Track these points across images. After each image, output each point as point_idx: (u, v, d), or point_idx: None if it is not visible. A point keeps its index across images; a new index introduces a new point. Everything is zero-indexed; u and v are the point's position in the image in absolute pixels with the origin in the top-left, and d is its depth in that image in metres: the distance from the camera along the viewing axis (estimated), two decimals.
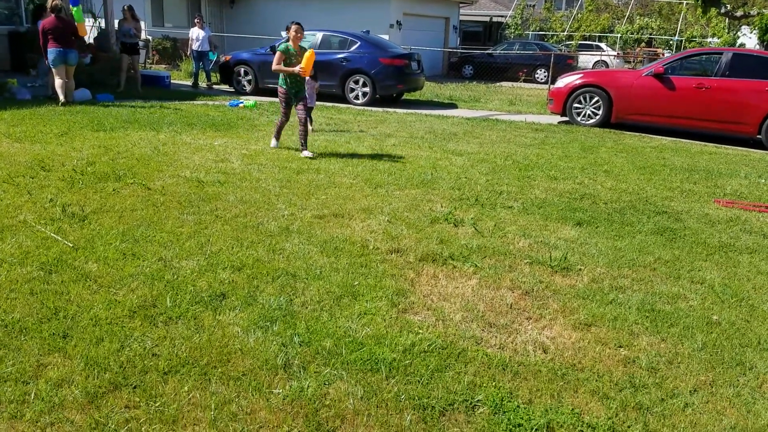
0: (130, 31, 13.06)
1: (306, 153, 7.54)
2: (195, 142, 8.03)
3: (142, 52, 18.32)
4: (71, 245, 4.16)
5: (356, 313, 3.43)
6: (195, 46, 15.35)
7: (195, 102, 12.65)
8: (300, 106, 7.58)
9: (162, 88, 14.26)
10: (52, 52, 10.19)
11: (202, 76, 16.02)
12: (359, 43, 14.03)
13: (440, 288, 3.89)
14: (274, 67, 7.49)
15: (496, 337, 3.28)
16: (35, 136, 7.76)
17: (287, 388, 2.70)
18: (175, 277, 3.77)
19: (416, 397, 2.67)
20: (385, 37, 19.14)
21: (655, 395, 2.78)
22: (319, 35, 14.50)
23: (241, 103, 12.36)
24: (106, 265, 3.87)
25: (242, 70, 14.82)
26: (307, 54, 7.35)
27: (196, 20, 15.73)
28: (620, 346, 3.22)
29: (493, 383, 2.82)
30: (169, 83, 14.85)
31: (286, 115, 7.80)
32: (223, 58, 15.54)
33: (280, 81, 7.60)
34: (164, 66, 19.17)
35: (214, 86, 15.99)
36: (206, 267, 3.94)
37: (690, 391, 2.83)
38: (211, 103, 12.63)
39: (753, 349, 3.24)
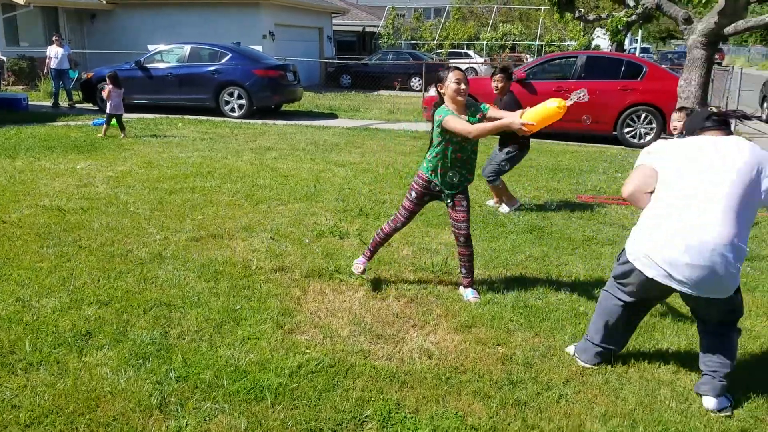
0: None
1: (471, 297, 3.98)
2: (55, 167, 7.46)
3: None
4: None
5: (239, 339, 3.31)
6: (53, 64, 14.38)
7: (56, 123, 11.77)
8: (461, 214, 3.95)
9: (19, 111, 13.13)
10: None
11: (63, 95, 14.97)
12: (230, 54, 13.74)
13: (327, 303, 3.86)
14: (465, 129, 3.64)
15: (383, 348, 3.30)
16: None
17: (164, 429, 2.55)
18: (35, 318, 3.46)
19: (304, 421, 2.62)
20: (258, 48, 18.84)
21: (532, 390, 2.92)
22: (188, 48, 14.06)
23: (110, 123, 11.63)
24: None
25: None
26: (550, 105, 3.68)
27: (54, 38, 14.70)
28: (498, 345, 3.35)
29: (381, 396, 2.83)
30: (26, 105, 13.70)
31: (406, 220, 4.06)
32: (85, 76, 14.60)
33: (426, 166, 3.95)
34: (22, 87, 17.70)
35: (77, 105, 15.00)
36: (69, 304, 3.65)
37: (563, 383, 2.99)
38: (73, 123, 11.81)
39: None
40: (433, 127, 3.86)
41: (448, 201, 3.96)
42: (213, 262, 4.46)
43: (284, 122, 13.08)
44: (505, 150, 6.11)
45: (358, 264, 4.18)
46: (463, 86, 3.70)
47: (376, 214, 5.88)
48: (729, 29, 7.82)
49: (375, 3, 48.82)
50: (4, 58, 17.94)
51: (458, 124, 3.64)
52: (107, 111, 10.17)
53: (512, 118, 3.63)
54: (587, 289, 4.17)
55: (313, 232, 5.28)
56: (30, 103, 14.19)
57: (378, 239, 4.12)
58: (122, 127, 10.19)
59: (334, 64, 25.17)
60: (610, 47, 15.83)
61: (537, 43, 29.32)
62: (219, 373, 2.96)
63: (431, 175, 3.90)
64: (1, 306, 3.59)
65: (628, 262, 2.89)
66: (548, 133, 11.68)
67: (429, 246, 4.98)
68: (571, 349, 3.27)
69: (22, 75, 18.34)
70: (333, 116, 14.89)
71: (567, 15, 12.67)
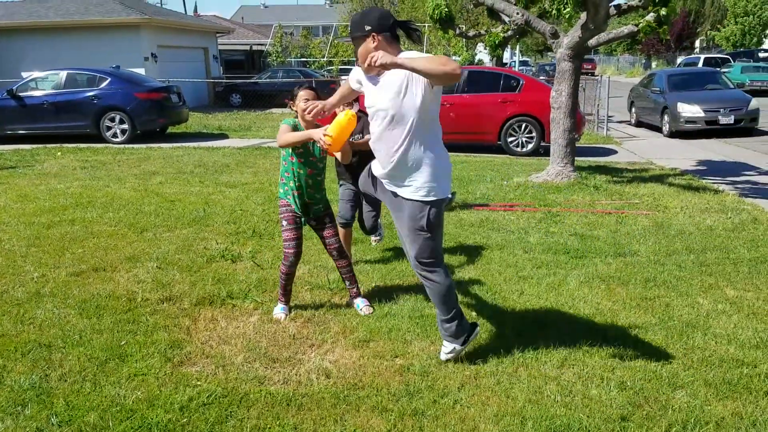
0: None
1: (363, 307, 4.06)
2: None
3: None
4: None
5: (124, 376, 3.15)
6: None
7: None
8: (329, 230, 4.07)
9: None
10: None
11: None
12: (109, 79, 13.16)
13: (219, 331, 3.75)
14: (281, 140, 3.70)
15: (279, 372, 3.25)
16: None
17: None
18: None
19: None
20: (141, 71, 18.15)
21: (428, 398, 2.98)
22: (63, 74, 13.35)
23: None
24: None
25: None
26: (341, 117, 3.48)
27: None
28: (396, 356, 3.40)
29: (278, 422, 2.78)
30: None
31: (295, 249, 3.94)
32: None
33: (281, 190, 3.94)
34: None
35: None
36: None
37: (458, 388, 3.08)
38: None
39: (507, 338, 3.63)
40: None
41: (312, 222, 4.01)
42: (95, 297, 4.22)
43: (170, 145, 12.66)
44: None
45: (279, 313, 3.96)
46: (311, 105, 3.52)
47: (270, 234, 5.81)
48: (592, 42, 8.44)
49: (261, 22, 48.52)
50: None
51: (279, 134, 3.66)
52: None
53: (315, 130, 3.52)
54: (479, 293, 4.33)
55: (203, 257, 5.13)
56: None
57: (282, 281, 3.96)
58: None
59: (222, 83, 24.68)
60: (491, 61, 16.61)
61: None
62: (104, 413, 2.79)
63: (289, 199, 3.87)
64: None
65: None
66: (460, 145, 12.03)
67: (325, 263, 4.98)
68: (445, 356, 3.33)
69: None
70: (223, 136, 14.58)
71: (450, 32, 13.22)
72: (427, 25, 29.98)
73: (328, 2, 65.04)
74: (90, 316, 3.89)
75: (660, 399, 2.98)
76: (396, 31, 3.00)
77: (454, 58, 28.49)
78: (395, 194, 3.18)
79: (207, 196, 7.51)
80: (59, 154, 11.34)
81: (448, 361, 3.30)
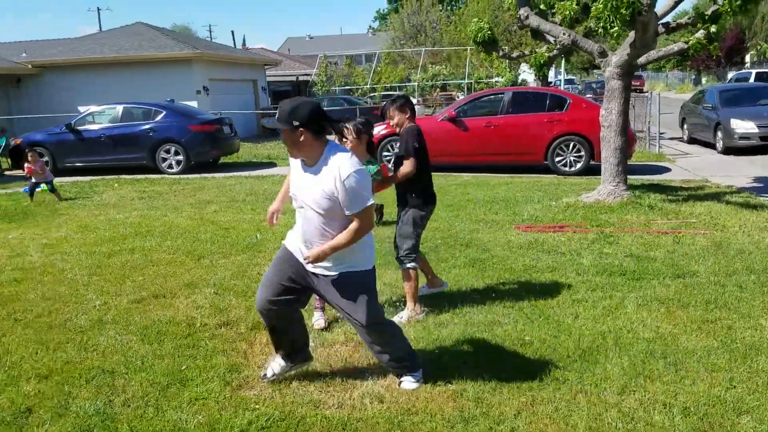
0: None
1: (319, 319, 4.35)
2: None
3: None
4: None
5: (186, 400, 3.24)
6: None
7: None
8: None
9: None
10: None
11: None
12: (164, 112, 13.65)
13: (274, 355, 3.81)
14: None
15: (333, 396, 3.28)
16: None
17: None
18: None
19: None
20: (193, 104, 18.80)
21: (484, 425, 2.95)
22: (120, 108, 13.90)
23: (39, 188, 11.29)
24: None
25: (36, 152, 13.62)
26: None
27: None
28: (448, 382, 3.39)
29: None
30: None
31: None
32: (13, 142, 14.18)
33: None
34: None
35: (6, 173, 14.48)
36: (6, 381, 3.50)
37: (514, 415, 3.04)
38: (2, 191, 11.39)
39: (564, 363, 3.57)
40: None
41: None
42: (156, 323, 4.36)
43: (223, 175, 13.00)
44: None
45: (319, 320, 4.27)
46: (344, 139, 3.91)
47: None
48: (641, 60, 8.34)
49: (307, 53, 49.67)
50: None
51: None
52: (33, 180, 9.97)
53: None
54: (531, 318, 4.28)
55: (257, 282, 5.20)
56: None
57: None
58: (54, 192, 10.00)
59: (270, 114, 25.33)
60: (535, 81, 16.56)
61: (466, 81, 30.32)
62: None
63: None
64: None
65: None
66: (482, 166, 12.01)
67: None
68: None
69: None
70: (272, 165, 14.90)
71: (492, 54, 13.27)
72: (469, 48, 30.16)
73: (370, 31, 66.16)
74: (151, 342, 4.02)
75: (725, 425, 2.88)
76: (323, 124, 3.02)
77: (496, 79, 28.47)
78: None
79: (259, 223, 7.67)
80: (116, 185, 11.79)
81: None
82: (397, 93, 31.27)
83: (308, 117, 2.95)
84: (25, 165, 10.02)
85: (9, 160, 14.44)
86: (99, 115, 13.98)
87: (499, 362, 3.60)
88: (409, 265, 4.39)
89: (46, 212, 8.94)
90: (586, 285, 4.96)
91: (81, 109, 17.38)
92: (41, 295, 5.03)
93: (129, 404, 3.23)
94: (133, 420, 3.06)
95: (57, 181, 11.02)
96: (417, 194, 4.41)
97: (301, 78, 35.17)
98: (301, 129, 2.94)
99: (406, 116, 4.40)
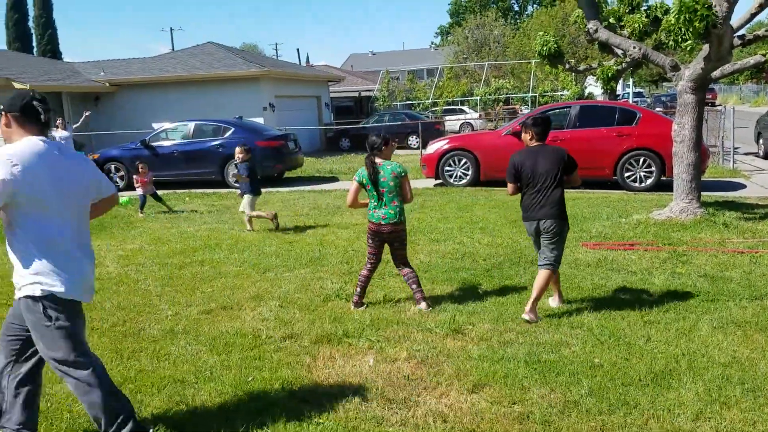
0: None
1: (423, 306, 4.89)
2: None
3: None
4: None
5: (252, 411, 3.30)
6: None
7: None
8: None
9: None
10: None
11: None
12: (233, 128, 14.12)
13: (337, 369, 3.85)
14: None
15: (396, 413, 3.28)
16: None
17: None
18: (49, 404, 3.46)
19: None
20: (260, 120, 19.33)
21: None
22: (191, 125, 14.47)
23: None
24: None
25: (112, 167, 14.36)
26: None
27: (57, 121, 15.15)
28: (514, 403, 3.32)
29: None
30: None
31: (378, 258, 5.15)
32: (90, 157, 14.94)
33: (402, 212, 5.06)
34: None
35: None
36: None
37: None
38: None
39: (635, 387, 3.45)
40: (390, 178, 4.87)
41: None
42: (224, 334, 4.48)
43: (287, 189, 13.28)
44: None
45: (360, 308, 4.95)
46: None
47: (380, 274, 5.90)
48: (716, 73, 8.02)
49: (369, 68, 50.32)
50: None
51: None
52: (141, 193, 10.31)
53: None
54: (600, 339, 4.15)
55: (320, 296, 5.31)
56: None
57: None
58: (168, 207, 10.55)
59: (332, 129, 25.78)
60: (603, 94, 16.19)
61: (530, 94, 29.95)
62: None
63: (401, 217, 4.94)
64: None
65: None
66: None
67: (435, 303, 4.99)
68: None
69: None
70: (334, 179, 15.11)
71: (558, 67, 13.08)
72: (533, 61, 29.83)
73: (433, 46, 66.41)
74: (219, 353, 4.13)
75: None
76: (32, 111, 2.78)
77: (562, 92, 27.98)
78: None
79: (321, 237, 7.79)
80: (187, 199, 12.23)
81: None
82: (458, 107, 31.26)
83: (10, 101, 2.80)
84: (135, 177, 10.38)
85: None
86: (172, 132, 14.58)
87: (567, 385, 3.50)
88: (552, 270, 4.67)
89: (122, 224, 9.36)
90: (658, 306, 4.77)
91: (154, 125, 18.20)
92: (117, 305, 5.26)
93: (198, 413, 3.32)
94: (203, 430, 3.14)
95: (131, 194, 11.54)
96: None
97: (363, 93, 35.67)
98: (5, 112, 2.80)
99: (528, 137, 4.83)
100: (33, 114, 2.79)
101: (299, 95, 25.40)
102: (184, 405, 3.42)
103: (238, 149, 8.49)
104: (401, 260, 5.02)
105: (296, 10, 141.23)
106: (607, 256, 6.35)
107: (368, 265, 5.04)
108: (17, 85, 18.80)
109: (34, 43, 41.16)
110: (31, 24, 41.21)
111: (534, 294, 4.54)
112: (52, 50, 40.56)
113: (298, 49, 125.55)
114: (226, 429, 3.13)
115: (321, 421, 3.19)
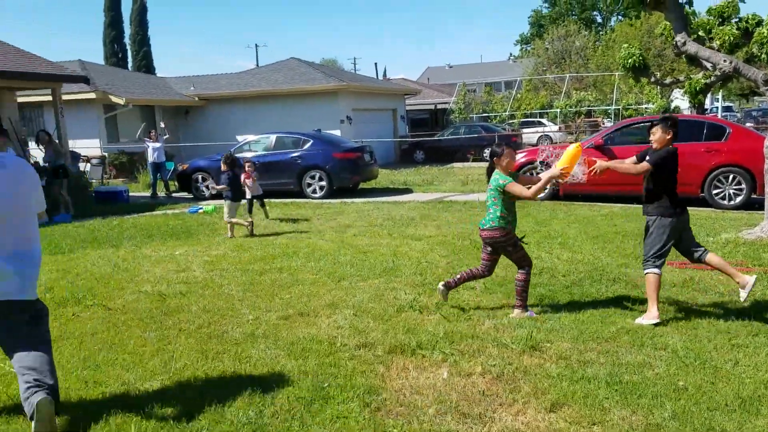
0: (51, 156, 12.56)
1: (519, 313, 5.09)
2: (155, 254, 7.98)
3: (98, 169, 18.34)
4: None
5: (328, 418, 3.38)
6: (151, 158, 15.62)
7: (155, 213, 12.64)
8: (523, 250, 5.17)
9: (121, 203, 14.22)
10: None
11: (161, 185, 16.12)
12: (312, 141, 14.52)
13: (411, 380, 3.87)
14: (527, 193, 4.86)
15: (471, 428, 3.26)
16: None
17: None
18: (140, 401, 3.66)
19: None
20: (337, 132, 19.76)
21: None
22: (273, 137, 15.00)
23: (201, 209, 12.40)
24: (67, 397, 3.73)
25: (200, 176, 15.05)
26: (570, 149, 4.90)
27: (150, 133, 16.06)
28: (593, 424, 3.24)
29: None
30: (127, 197, 14.82)
31: (489, 269, 5.26)
32: (180, 167, 15.73)
33: (499, 219, 4.99)
34: (122, 180, 19.22)
35: (174, 194, 16.07)
36: (172, 386, 3.85)
37: None
38: (170, 212, 12.64)
39: (721, 412, 3.29)
40: (490, 189, 5.00)
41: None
42: (301, 340, 4.60)
43: (362, 200, 13.47)
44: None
45: (530, 312, 5.04)
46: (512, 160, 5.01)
47: (455, 288, 5.89)
48: None
49: (446, 81, 50.37)
50: (106, 154, 19.63)
51: (518, 188, 4.85)
52: (249, 197, 10.44)
53: (551, 171, 4.86)
54: (685, 362, 3.98)
55: (394, 306, 5.35)
56: (130, 194, 15.35)
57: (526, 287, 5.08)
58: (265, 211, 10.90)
59: (407, 141, 25.98)
60: (690, 108, 15.52)
61: (613, 107, 29.07)
62: None
63: (507, 225, 4.99)
64: (107, 390, 3.83)
65: None
66: (631, 197, 11.39)
67: (512, 320, 4.93)
68: None
69: (123, 169, 19.97)
70: (408, 191, 15.21)
71: (643, 80, 12.66)
72: (617, 73, 28.94)
73: (511, 58, 65.70)
74: (297, 358, 4.24)
75: None
76: None
77: (646, 105, 27.01)
78: None
79: (395, 248, 7.85)
80: (267, 208, 12.62)
81: None
82: (536, 119, 30.73)
83: None
84: (242, 176, 10.63)
85: (176, 183, 16.01)
86: (255, 144, 15.14)
87: (649, 407, 3.38)
88: (647, 271, 4.87)
89: (207, 231, 9.78)
90: (747, 329, 4.53)
91: (239, 138, 18.93)
92: (202, 308, 5.50)
93: (277, 416, 3.43)
94: None
95: (216, 203, 12.03)
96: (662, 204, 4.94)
97: (439, 106, 35.73)
98: None
99: (668, 137, 4.84)
100: None
101: (376, 108, 25.78)
102: (264, 407, 3.53)
103: (222, 160, 9.55)
104: (516, 264, 5.16)
105: (375, 26, 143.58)
106: (693, 276, 6.08)
107: (480, 269, 5.28)
108: (114, 99, 20.10)
109: (129, 59, 43.79)
110: (127, 41, 43.86)
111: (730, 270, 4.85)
112: (146, 66, 43.00)
113: (375, 64, 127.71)
114: None
115: (395, 430, 3.22)
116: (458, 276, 5.33)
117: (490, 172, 5.08)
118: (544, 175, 4.90)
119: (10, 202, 3.25)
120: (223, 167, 9.42)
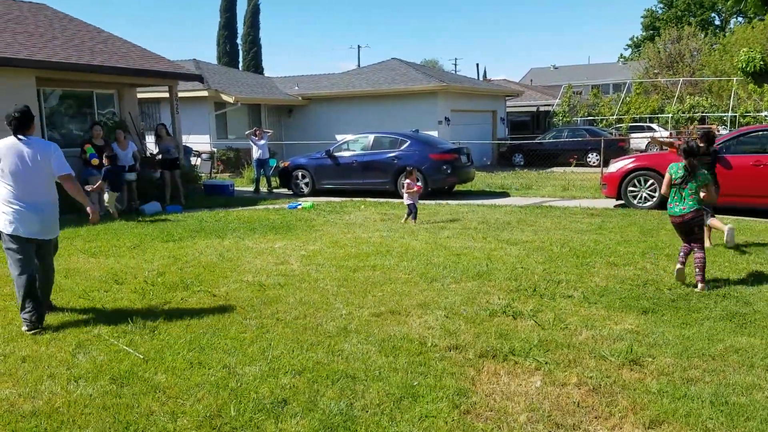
0: (170, 148, 13.38)
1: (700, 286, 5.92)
2: (257, 247, 8.35)
3: (207, 164, 19.41)
4: (142, 357, 4.35)
5: (417, 416, 3.40)
6: (256, 154, 16.32)
7: (257, 207, 13.21)
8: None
9: (227, 196, 15.01)
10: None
11: (263, 181, 16.81)
12: (409, 141, 14.58)
13: (502, 386, 3.82)
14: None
15: None
16: (109, 250, 8.25)
17: None
18: (239, 384, 3.85)
19: None
20: (434, 133, 19.75)
21: None
22: (371, 137, 15.19)
23: (300, 205, 12.84)
24: (174, 375, 4.00)
25: (300, 173, 15.55)
26: None
27: (256, 131, 16.78)
28: None
29: None
30: (233, 191, 15.62)
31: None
32: (282, 164, 16.33)
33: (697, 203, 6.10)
34: (228, 174, 20.22)
35: (274, 190, 16.71)
36: (268, 372, 4.02)
37: None
38: (271, 207, 13.16)
39: None
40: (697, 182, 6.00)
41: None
42: (392, 337, 4.65)
43: (457, 202, 13.39)
44: None
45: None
46: None
47: (551, 295, 5.75)
48: None
49: (550, 83, 49.07)
50: (215, 150, 20.72)
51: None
52: (411, 202, 10.47)
53: None
54: None
55: (486, 310, 5.30)
56: (235, 188, 16.14)
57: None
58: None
59: (506, 144, 25.51)
60: None
61: (730, 114, 27.17)
62: None
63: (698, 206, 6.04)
64: (210, 372, 4.05)
65: None
66: (745, 209, 10.63)
67: (611, 331, 4.74)
68: None
69: (229, 164, 21.01)
70: (504, 195, 14.95)
71: (765, 86, 11.77)
72: (735, 78, 27.03)
73: (621, 60, 62.90)
74: (387, 355, 4.30)
75: None
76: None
77: (765, 114, 25.04)
78: None
79: (489, 252, 7.75)
80: (362, 207, 12.85)
81: None
82: (646, 124, 29.27)
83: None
84: (407, 182, 10.58)
85: (278, 179, 16.64)
86: (353, 143, 15.44)
87: (757, 431, 3.16)
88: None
89: (305, 227, 10.10)
90: None
91: (338, 137, 19.39)
92: (299, 300, 5.70)
93: (367, 410, 3.50)
94: (371, 425, 3.31)
95: (315, 200, 12.38)
96: None
97: (541, 108, 34.83)
98: None
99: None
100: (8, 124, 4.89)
101: (475, 109, 25.56)
102: (355, 400, 3.61)
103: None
104: (697, 243, 6.09)
105: (478, 26, 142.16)
106: None
107: (684, 249, 6.14)
108: (224, 97, 21.17)
109: (240, 59, 45.94)
110: (239, 41, 46.04)
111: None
112: (255, 65, 44.99)
113: (477, 64, 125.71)
114: (391, 429, 3.27)
115: None
116: (695, 267, 5.99)
117: (692, 167, 5.96)
118: None
119: (36, 166, 4.89)
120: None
